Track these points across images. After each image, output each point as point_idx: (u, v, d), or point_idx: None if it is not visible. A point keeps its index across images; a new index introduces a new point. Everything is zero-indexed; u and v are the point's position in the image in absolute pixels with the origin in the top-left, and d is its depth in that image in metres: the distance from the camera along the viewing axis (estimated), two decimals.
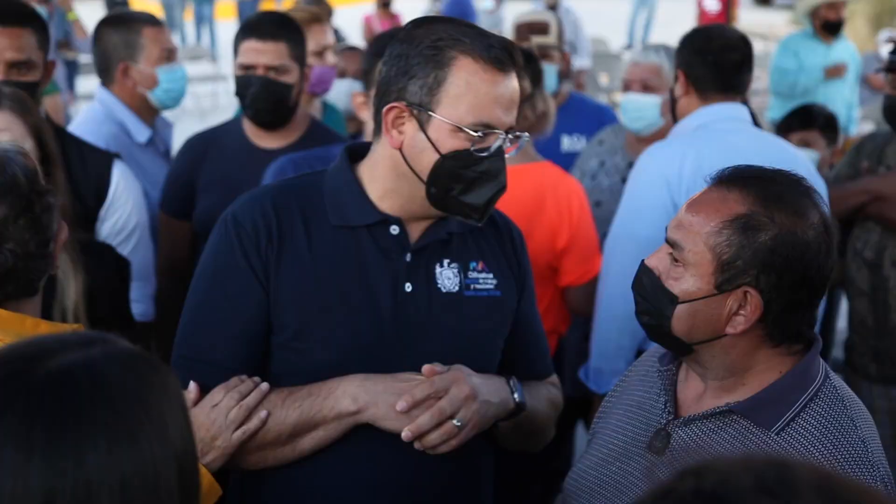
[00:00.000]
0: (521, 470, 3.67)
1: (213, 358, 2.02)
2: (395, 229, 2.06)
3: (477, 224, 2.07)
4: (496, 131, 1.97)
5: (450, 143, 1.95)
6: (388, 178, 2.03)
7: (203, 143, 3.47)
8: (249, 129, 3.43)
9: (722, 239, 1.73)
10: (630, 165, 3.88)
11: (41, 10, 7.03)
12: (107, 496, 1.08)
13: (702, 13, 14.32)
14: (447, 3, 11.71)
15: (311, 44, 4.01)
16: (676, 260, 1.79)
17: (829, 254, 1.76)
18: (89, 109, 3.70)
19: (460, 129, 1.94)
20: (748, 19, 18.63)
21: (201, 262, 2.09)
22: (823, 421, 1.76)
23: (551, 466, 4.13)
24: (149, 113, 3.68)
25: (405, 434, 1.93)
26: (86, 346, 1.16)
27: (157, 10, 16.43)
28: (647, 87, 3.80)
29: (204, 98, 13.03)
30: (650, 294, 1.83)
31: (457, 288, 2.09)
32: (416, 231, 2.08)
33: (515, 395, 2.08)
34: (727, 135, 3.17)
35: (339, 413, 1.96)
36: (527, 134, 2.06)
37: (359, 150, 2.12)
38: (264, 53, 3.31)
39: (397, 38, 2.00)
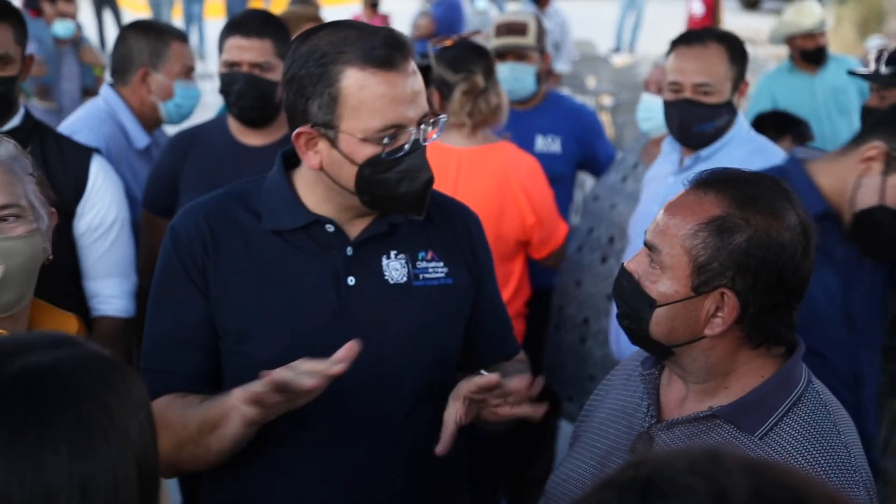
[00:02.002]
0: (498, 476, 3.69)
1: (171, 367, 2.04)
2: (329, 227, 2.06)
3: (418, 218, 2.07)
4: (406, 129, 1.96)
5: (362, 153, 1.95)
6: (321, 190, 2.04)
7: (187, 140, 3.45)
8: (234, 126, 3.42)
9: (698, 241, 1.73)
10: (635, 166, 3.90)
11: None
12: (66, 501, 1.07)
13: (690, 16, 14.36)
14: (438, 6, 11.69)
15: None
16: (654, 263, 1.79)
17: (805, 255, 1.75)
18: (91, 106, 3.69)
19: (366, 140, 1.94)
20: (734, 24, 18.67)
21: (154, 275, 2.12)
22: (806, 426, 1.77)
23: (530, 475, 4.14)
24: (152, 122, 3.68)
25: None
26: (54, 348, 1.15)
27: (145, 8, 16.38)
28: (660, 90, 3.79)
29: None
30: (630, 298, 1.83)
31: (405, 279, 2.08)
32: (356, 227, 2.08)
33: None
34: None
35: (225, 410, 1.90)
36: (444, 116, 2.06)
37: (296, 155, 2.11)
38: (249, 50, 3.30)
39: (286, 61, 1.99)
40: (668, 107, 3.24)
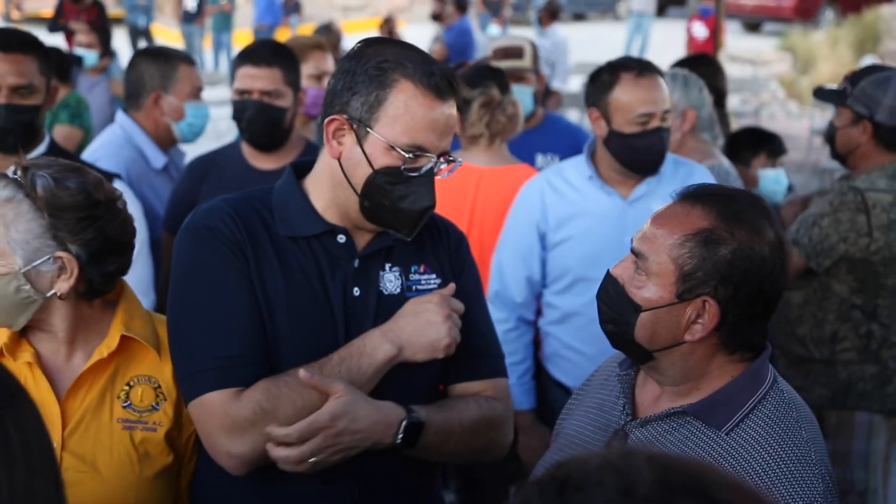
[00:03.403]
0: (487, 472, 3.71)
1: (255, 353, 1.97)
2: (341, 238, 2.07)
3: (406, 238, 2.08)
4: (427, 154, 1.99)
5: (383, 160, 1.98)
6: (328, 187, 2.06)
7: (204, 165, 3.51)
8: (247, 151, 3.47)
9: (684, 251, 1.77)
10: None
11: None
12: None
13: (690, 39, 14.36)
14: (449, 32, 11.78)
15: (311, 68, 4.06)
16: (640, 269, 1.82)
17: (782, 270, 1.79)
18: (109, 133, 3.76)
19: (393, 149, 1.97)
20: (736, 46, 18.66)
21: (185, 275, 2.03)
22: (770, 422, 1.80)
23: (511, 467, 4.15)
24: (167, 142, 3.74)
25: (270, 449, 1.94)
26: None
27: (178, 38, 16.56)
28: None
29: (220, 121, 13.03)
30: (615, 302, 1.86)
31: (398, 290, 2.10)
32: (362, 239, 2.10)
33: (399, 437, 2.00)
34: None
35: (379, 365, 2.00)
36: (460, 159, 2.08)
37: (305, 167, 2.14)
38: (259, 79, 3.35)
39: (347, 55, 2.02)
40: (646, 137, 3.13)
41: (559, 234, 3.27)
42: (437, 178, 2.04)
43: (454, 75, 2.01)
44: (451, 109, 2.00)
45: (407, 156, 1.97)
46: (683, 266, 1.77)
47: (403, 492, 2.12)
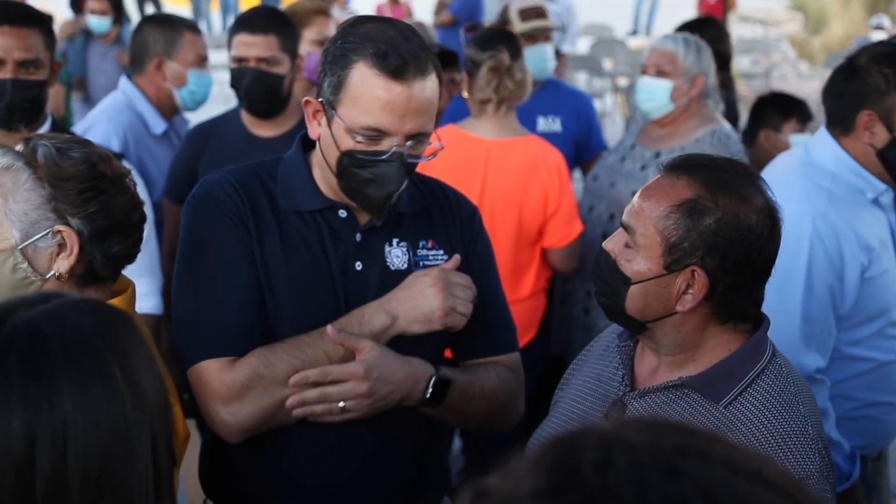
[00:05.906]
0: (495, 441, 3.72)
1: (254, 322, 1.99)
2: (342, 213, 2.07)
3: (376, 223, 2.06)
4: (390, 137, 1.94)
5: (345, 142, 1.96)
6: (324, 168, 2.04)
7: (204, 132, 3.51)
8: (246, 118, 3.46)
9: (670, 222, 1.76)
10: (633, 147, 3.90)
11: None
12: (81, 431, 1.17)
13: (701, 0, 14.19)
14: None
15: (314, 33, 4.03)
16: (629, 243, 1.82)
17: (772, 237, 1.78)
18: (111, 98, 3.76)
19: (351, 131, 1.95)
20: (747, 6, 18.48)
21: (188, 246, 2.05)
22: (768, 396, 1.80)
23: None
24: (169, 109, 3.74)
25: (289, 402, 1.96)
26: (43, 301, 1.24)
27: (185, 1, 16.47)
28: (660, 72, 3.77)
29: (227, 84, 13.07)
30: (607, 276, 1.86)
31: (405, 265, 2.09)
32: (364, 214, 2.08)
33: (429, 392, 2.03)
34: None
35: (375, 333, 2.00)
36: (440, 143, 2.03)
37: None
38: (255, 46, 3.33)
39: (333, 35, 2.01)
40: None
41: (871, 270, 2.61)
42: (431, 158, 2.01)
43: (417, 56, 1.93)
44: (410, 91, 1.92)
45: (358, 138, 1.94)
46: (669, 237, 1.77)
47: (413, 451, 2.14)
